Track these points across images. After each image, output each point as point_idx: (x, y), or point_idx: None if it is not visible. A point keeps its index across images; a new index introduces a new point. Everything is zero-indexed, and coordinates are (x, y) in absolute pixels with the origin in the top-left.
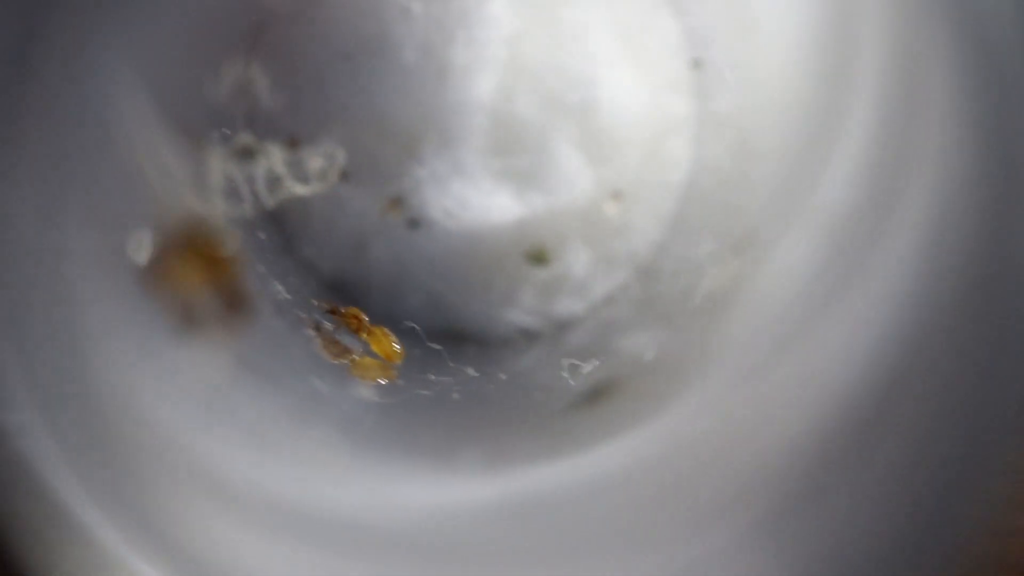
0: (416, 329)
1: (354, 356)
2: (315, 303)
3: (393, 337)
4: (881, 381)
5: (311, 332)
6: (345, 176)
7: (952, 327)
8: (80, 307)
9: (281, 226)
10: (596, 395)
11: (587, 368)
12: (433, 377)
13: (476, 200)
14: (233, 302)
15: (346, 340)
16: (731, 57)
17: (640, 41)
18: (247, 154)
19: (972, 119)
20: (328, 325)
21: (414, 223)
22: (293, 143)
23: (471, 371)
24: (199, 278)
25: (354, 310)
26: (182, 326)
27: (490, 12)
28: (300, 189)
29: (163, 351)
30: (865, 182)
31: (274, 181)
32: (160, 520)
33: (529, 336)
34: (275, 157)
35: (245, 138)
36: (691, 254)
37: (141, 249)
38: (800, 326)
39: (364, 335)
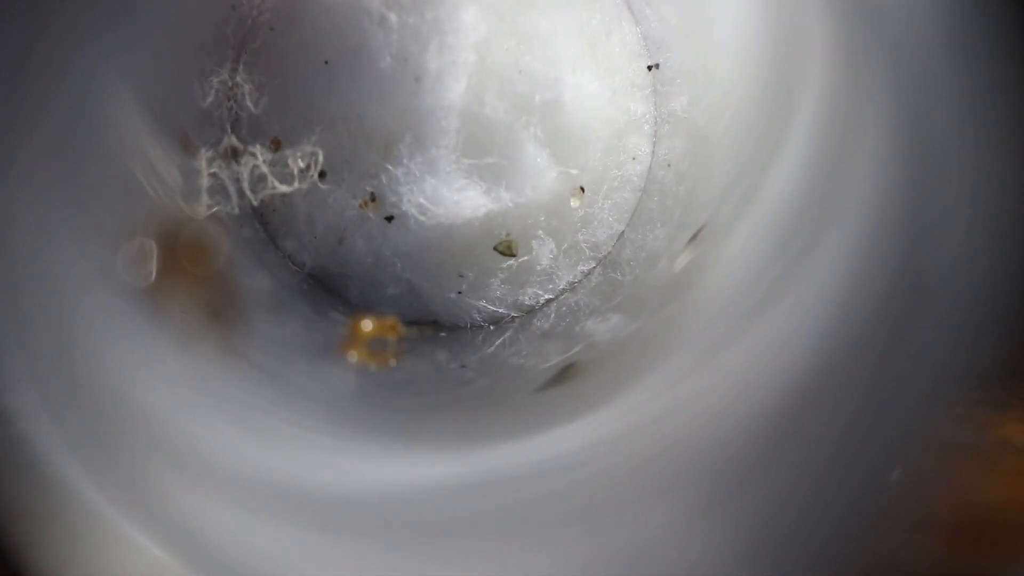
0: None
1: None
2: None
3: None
4: (823, 364)
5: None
6: (325, 175)
7: (885, 312)
8: (75, 299)
9: (265, 222)
10: (560, 378)
11: (551, 353)
12: (408, 362)
13: (448, 196)
14: (224, 307)
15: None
16: (687, 60)
17: (602, 46)
18: (233, 155)
19: (903, 119)
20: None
21: (390, 218)
22: (276, 144)
23: (443, 356)
24: (191, 284)
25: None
26: (179, 329)
27: (461, 20)
28: (283, 187)
29: (154, 340)
30: (810, 176)
31: (258, 180)
32: (151, 494)
33: (498, 322)
34: (259, 158)
35: (231, 140)
36: (649, 244)
37: (138, 262)
38: (750, 312)
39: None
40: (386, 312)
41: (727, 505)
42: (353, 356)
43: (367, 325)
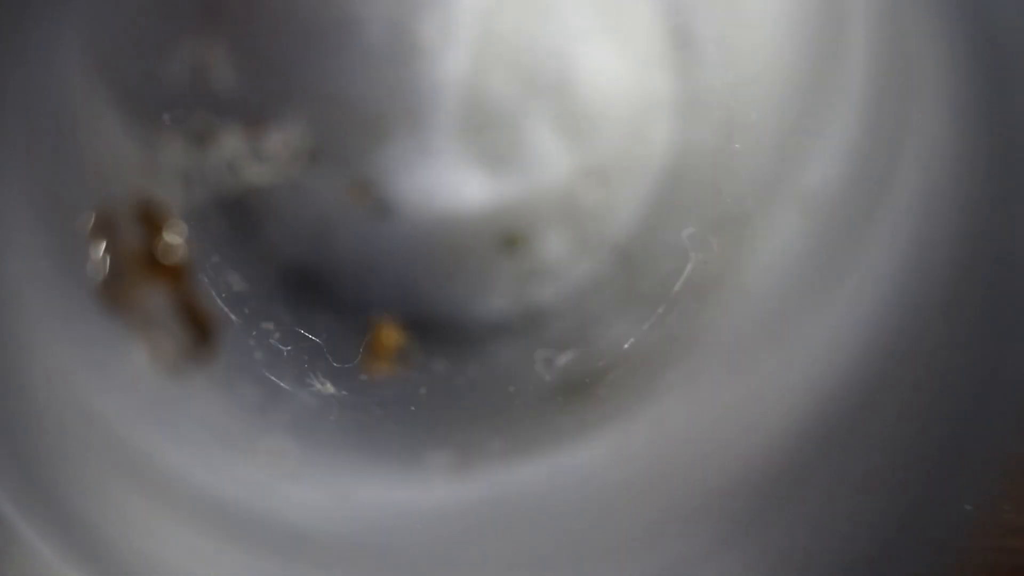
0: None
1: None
2: None
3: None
4: (869, 373)
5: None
6: (308, 160)
7: (944, 317)
8: (18, 299)
9: (239, 213)
10: (571, 389)
11: (562, 360)
12: (401, 371)
13: (447, 184)
14: (194, 319)
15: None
16: (715, 31)
17: (619, 15)
18: (204, 137)
19: (967, 98)
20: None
21: (381, 208)
22: (253, 125)
23: (440, 364)
24: (152, 283)
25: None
26: (139, 339)
27: None
28: (261, 174)
29: (107, 343)
30: (856, 163)
31: (233, 165)
32: (96, 522)
33: (502, 326)
34: (234, 140)
35: (202, 120)
36: (673, 239)
37: (92, 256)
38: (787, 315)
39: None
40: (379, 315)
41: (762, 529)
42: (379, 371)
43: (389, 334)
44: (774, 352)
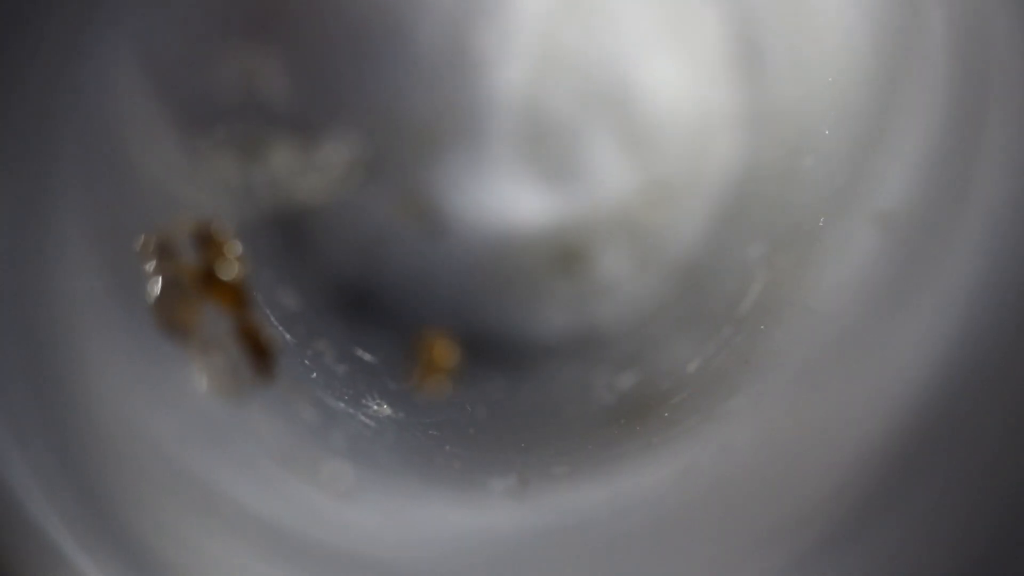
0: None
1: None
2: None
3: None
4: (949, 391)
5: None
6: (361, 173)
7: (1022, 331)
8: (77, 321)
9: (292, 228)
10: (634, 411)
11: (624, 382)
12: (456, 393)
13: (503, 198)
14: (254, 343)
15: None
16: (784, 40)
17: (683, 25)
18: (256, 151)
19: None
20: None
21: (436, 224)
22: (306, 139)
23: (497, 384)
24: (211, 304)
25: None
26: (197, 363)
27: None
28: (314, 188)
29: (164, 364)
30: (933, 176)
31: (286, 180)
32: (152, 544)
33: (560, 346)
34: (286, 154)
35: (255, 134)
36: (738, 257)
37: (148, 277)
38: (860, 334)
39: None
40: (432, 330)
41: (837, 553)
42: (431, 387)
43: (442, 349)
44: (847, 373)
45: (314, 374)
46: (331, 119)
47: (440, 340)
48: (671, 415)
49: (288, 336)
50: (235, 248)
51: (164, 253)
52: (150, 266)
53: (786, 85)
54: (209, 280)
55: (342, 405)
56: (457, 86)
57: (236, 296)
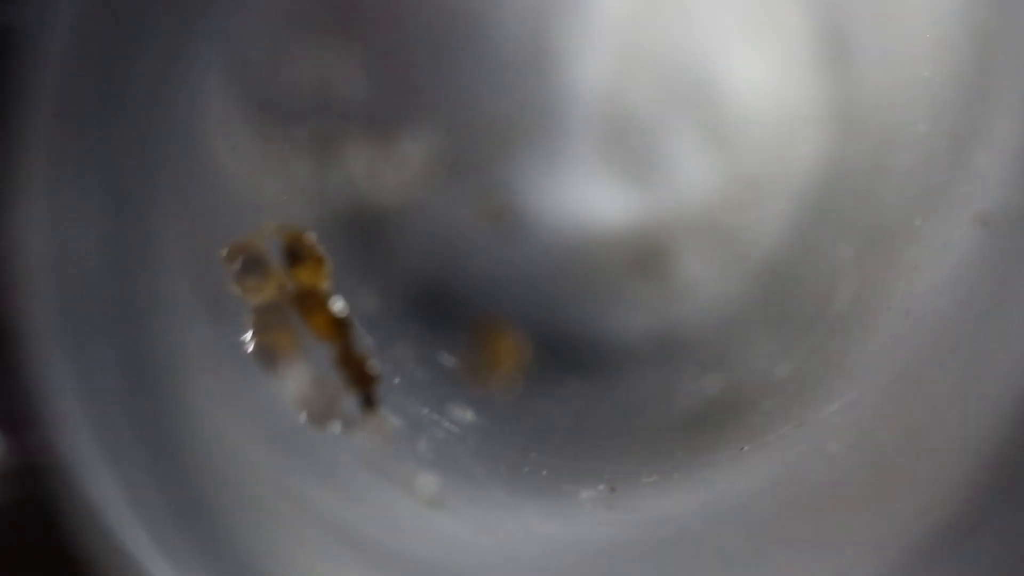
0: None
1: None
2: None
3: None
4: None
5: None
6: (439, 172)
7: None
8: (165, 333)
9: (371, 229)
10: (723, 417)
11: (710, 387)
12: (540, 398)
13: (583, 198)
14: (356, 375)
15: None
16: (872, 34)
17: (767, 18)
18: (335, 151)
19: None
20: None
21: (515, 224)
22: (382, 138)
23: (581, 390)
24: (312, 332)
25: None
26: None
27: None
28: (392, 187)
29: (251, 384)
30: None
31: (364, 179)
32: (247, 557)
33: (644, 350)
34: (365, 153)
35: (334, 133)
36: (827, 257)
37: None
38: (958, 338)
39: None
40: (498, 324)
41: (940, 562)
42: (498, 382)
43: (509, 343)
44: (945, 379)
45: (396, 379)
46: (408, 118)
47: (507, 334)
48: (762, 421)
49: (370, 338)
50: (327, 265)
51: (252, 266)
52: (239, 281)
53: (876, 79)
54: (308, 304)
55: (426, 411)
56: (536, 83)
57: (336, 322)
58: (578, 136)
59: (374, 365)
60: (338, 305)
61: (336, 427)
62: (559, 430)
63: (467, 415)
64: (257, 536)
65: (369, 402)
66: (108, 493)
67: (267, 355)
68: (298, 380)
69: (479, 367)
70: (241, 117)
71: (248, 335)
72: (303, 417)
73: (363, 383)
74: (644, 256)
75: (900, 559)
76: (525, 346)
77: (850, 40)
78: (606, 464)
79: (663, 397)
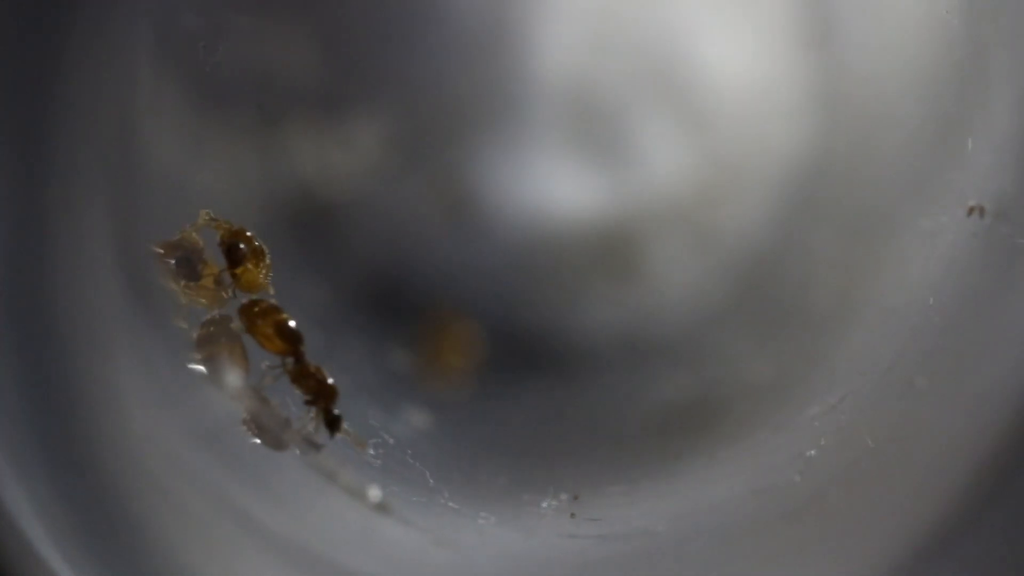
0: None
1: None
2: None
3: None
4: None
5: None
6: (392, 158)
7: None
8: (91, 334)
9: (317, 220)
10: (695, 421)
11: (683, 389)
12: (498, 400)
13: (548, 188)
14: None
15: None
16: (857, 13)
17: (748, 0)
18: (278, 134)
19: None
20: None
21: (473, 215)
22: (332, 121)
23: (543, 393)
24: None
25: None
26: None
27: None
28: (340, 174)
29: (185, 386)
30: (1019, 164)
31: (309, 165)
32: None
33: (611, 350)
34: (312, 138)
35: (277, 115)
36: (808, 251)
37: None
38: (945, 335)
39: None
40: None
41: (923, 570)
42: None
43: (462, 347)
44: (933, 380)
45: (344, 380)
46: (360, 100)
47: (463, 332)
48: (737, 425)
49: (316, 337)
50: (267, 262)
51: (187, 262)
52: (174, 278)
53: (861, 61)
54: (255, 315)
55: (376, 413)
56: (498, 65)
57: (286, 334)
58: (542, 121)
59: (329, 376)
60: (287, 316)
61: (295, 449)
62: (518, 434)
63: (419, 418)
64: (185, 547)
65: (332, 419)
66: (16, 498)
67: (214, 371)
68: (248, 401)
69: (432, 367)
70: (175, 97)
71: (194, 350)
72: (257, 441)
73: (323, 397)
74: (612, 249)
75: (881, 568)
76: (482, 344)
77: (834, 20)
78: (569, 471)
79: (631, 399)
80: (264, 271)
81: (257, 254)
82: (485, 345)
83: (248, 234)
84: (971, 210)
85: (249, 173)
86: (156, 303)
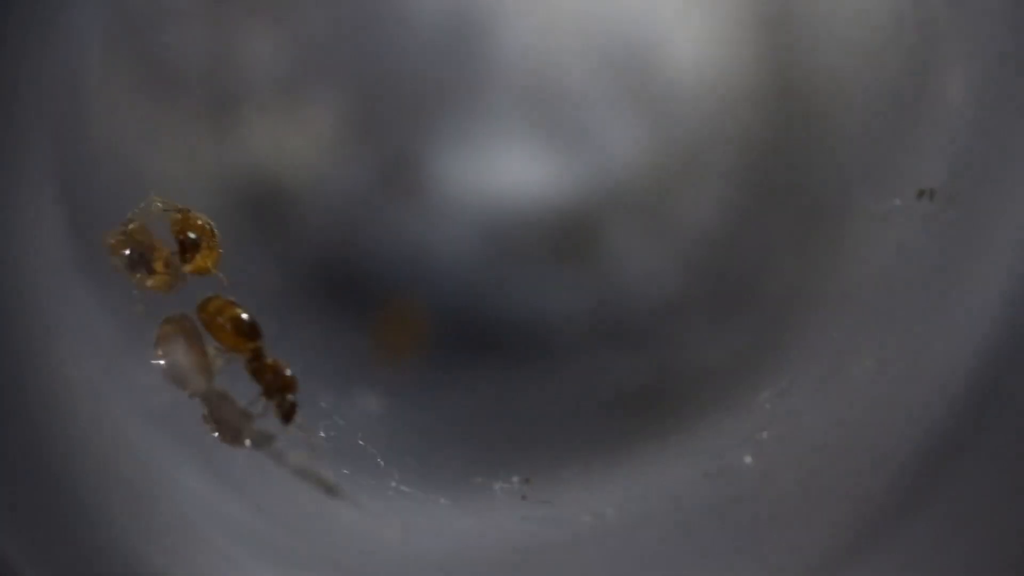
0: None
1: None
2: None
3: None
4: (996, 385)
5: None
6: (347, 141)
7: None
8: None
9: (269, 203)
10: (649, 405)
11: (638, 375)
12: (452, 383)
13: (505, 172)
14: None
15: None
16: (812, 5)
17: None
18: (231, 115)
19: None
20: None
21: (429, 199)
22: (287, 103)
23: (498, 376)
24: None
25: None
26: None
27: None
28: (292, 157)
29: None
30: (979, 147)
31: (261, 147)
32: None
33: (566, 334)
34: (265, 120)
35: (230, 96)
36: (764, 236)
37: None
38: (898, 321)
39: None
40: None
41: (867, 558)
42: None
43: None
44: (882, 366)
45: (295, 363)
46: (314, 82)
47: (416, 315)
48: (691, 409)
49: (269, 323)
50: (218, 247)
51: (138, 250)
52: (126, 267)
53: (815, 47)
54: (211, 311)
55: (327, 396)
56: (456, 48)
57: (243, 327)
58: (499, 107)
59: (288, 367)
60: (242, 310)
61: (250, 444)
62: (471, 418)
63: (371, 401)
64: (137, 531)
65: (287, 409)
66: None
67: (175, 370)
68: (208, 398)
69: (385, 350)
70: (126, 79)
71: (155, 348)
72: (216, 437)
73: (282, 389)
74: (568, 234)
75: (831, 550)
76: (435, 328)
77: (789, 6)
78: (521, 454)
79: (585, 383)
80: (215, 255)
81: (208, 236)
82: (438, 329)
83: (199, 221)
84: (921, 193)
85: (202, 157)
86: (106, 284)
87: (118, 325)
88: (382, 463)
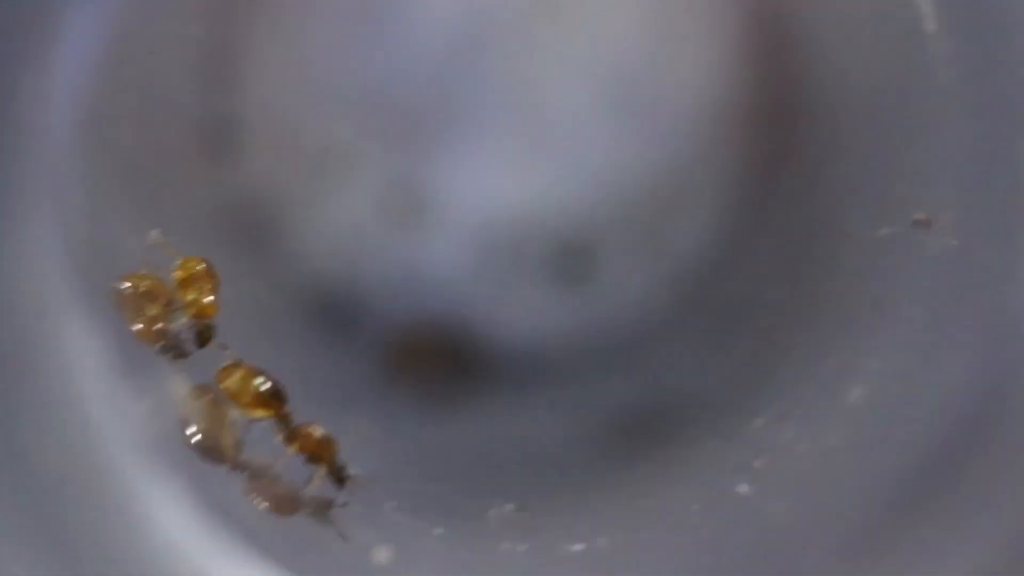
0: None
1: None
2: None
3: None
4: (999, 417)
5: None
6: (340, 159)
7: None
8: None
9: (264, 226)
10: (644, 430)
11: (631, 398)
12: (446, 409)
13: (495, 193)
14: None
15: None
16: (810, 31)
17: (702, 6)
18: (225, 138)
19: None
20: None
21: (421, 221)
22: (282, 123)
23: (490, 401)
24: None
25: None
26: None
27: None
28: (288, 178)
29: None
30: (981, 173)
31: (256, 170)
32: None
33: (558, 358)
34: (259, 142)
35: (224, 118)
36: (759, 260)
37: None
38: (889, 347)
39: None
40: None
41: None
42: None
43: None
44: (872, 396)
45: (291, 389)
46: (312, 102)
47: (410, 342)
48: (686, 435)
49: (262, 345)
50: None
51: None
52: (131, 318)
53: (812, 72)
54: (234, 383)
55: (324, 423)
56: (448, 67)
57: (265, 395)
58: (492, 127)
59: (318, 428)
60: (263, 379)
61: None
62: (464, 443)
63: (363, 428)
64: (128, 558)
65: (338, 474)
66: None
67: (210, 449)
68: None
69: (380, 374)
70: (118, 104)
71: (189, 432)
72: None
73: (322, 453)
74: (561, 256)
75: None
76: (429, 351)
77: (787, 31)
78: (515, 480)
79: (579, 409)
80: (215, 298)
81: (210, 281)
82: (432, 352)
83: (199, 266)
84: (916, 221)
85: (194, 180)
86: (101, 312)
87: (111, 352)
88: (374, 492)
